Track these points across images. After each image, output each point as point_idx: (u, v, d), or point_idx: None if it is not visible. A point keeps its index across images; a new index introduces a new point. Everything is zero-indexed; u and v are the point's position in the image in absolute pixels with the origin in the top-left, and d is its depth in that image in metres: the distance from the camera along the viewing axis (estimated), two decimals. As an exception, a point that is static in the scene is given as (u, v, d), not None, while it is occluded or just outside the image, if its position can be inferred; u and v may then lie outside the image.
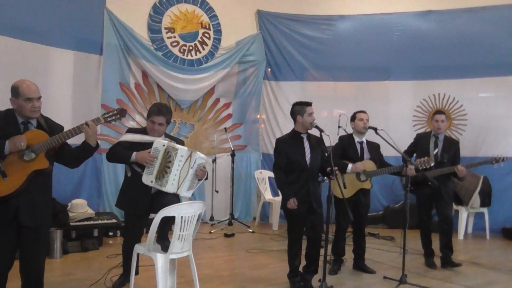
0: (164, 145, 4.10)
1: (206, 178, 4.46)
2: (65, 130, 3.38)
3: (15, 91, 3.19)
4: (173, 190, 4.07)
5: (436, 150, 5.48)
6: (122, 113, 3.55)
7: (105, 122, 3.51)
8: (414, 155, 5.70)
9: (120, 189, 4.50)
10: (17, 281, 3.37)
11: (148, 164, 4.08)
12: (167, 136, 4.44)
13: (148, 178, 4.10)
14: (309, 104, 4.52)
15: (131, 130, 4.46)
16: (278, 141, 4.62)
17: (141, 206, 4.26)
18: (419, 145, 5.65)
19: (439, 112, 5.64)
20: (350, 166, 5.01)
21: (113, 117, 3.52)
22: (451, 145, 5.56)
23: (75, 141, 3.46)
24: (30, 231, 3.25)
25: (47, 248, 3.51)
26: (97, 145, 3.45)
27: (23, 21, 5.90)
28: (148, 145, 4.17)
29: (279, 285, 4.68)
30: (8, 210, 3.16)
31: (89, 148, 3.39)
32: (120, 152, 4.19)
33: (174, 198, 4.10)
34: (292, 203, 4.36)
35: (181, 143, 4.36)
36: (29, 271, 3.33)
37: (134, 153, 4.10)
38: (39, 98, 3.25)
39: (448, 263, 5.47)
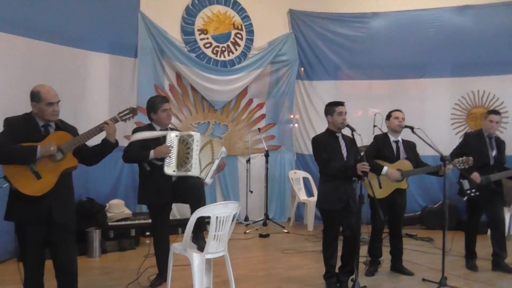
0: (177, 136, 4.41)
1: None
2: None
3: (37, 96, 3.31)
4: (197, 173, 4.38)
5: (495, 152, 5.29)
6: (133, 111, 3.75)
7: (121, 120, 3.68)
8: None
9: (139, 185, 4.61)
10: (53, 281, 3.45)
11: (167, 155, 4.32)
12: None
13: (169, 169, 4.34)
14: (339, 103, 4.49)
15: (137, 129, 4.57)
16: (315, 138, 4.62)
17: (164, 195, 4.46)
18: (474, 146, 5.31)
19: (494, 112, 5.39)
20: (385, 169, 4.92)
21: (128, 116, 3.71)
22: (500, 145, 5.37)
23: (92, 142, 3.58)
24: (60, 227, 3.36)
25: (76, 244, 3.60)
26: (117, 142, 3.60)
27: (60, 26, 6.04)
28: (159, 139, 4.43)
29: (314, 286, 4.65)
30: (43, 209, 3.27)
31: (110, 145, 3.57)
32: (136, 153, 4.42)
33: (198, 180, 4.39)
34: (365, 167, 4.18)
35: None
36: (64, 266, 3.42)
37: (152, 151, 4.32)
38: (59, 102, 3.38)
39: (500, 266, 5.25)
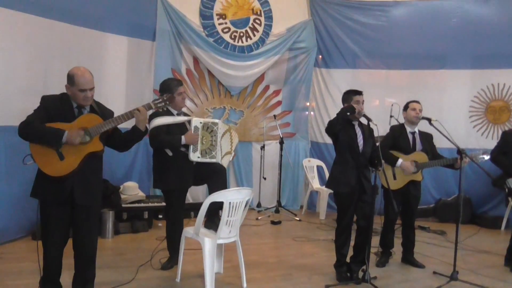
0: (201, 122, 4.53)
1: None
2: (116, 114, 3.49)
3: (71, 79, 3.30)
4: (219, 160, 4.60)
5: None
6: (171, 99, 3.77)
7: (155, 107, 3.67)
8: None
9: (155, 169, 4.66)
10: (71, 259, 3.50)
11: (196, 142, 4.45)
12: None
13: (194, 155, 4.46)
14: (357, 92, 4.45)
15: (155, 114, 4.52)
16: (330, 121, 4.54)
17: (187, 180, 4.59)
18: None
19: None
20: (400, 161, 4.88)
21: (162, 103, 3.70)
22: None
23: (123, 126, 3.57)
24: (83, 210, 3.38)
25: (98, 227, 3.63)
26: (146, 129, 3.60)
27: (79, 7, 6.05)
28: (181, 124, 4.53)
29: (325, 275, 4.66)
30: (65, 189, 3.29)
31: (139, 133, 3.55)
32: (167, 139, 4.46)
33: (221, 166, 4.59)
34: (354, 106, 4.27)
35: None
36: (82, 248, 3.45)
37: (183, 137, 4.40)
38: (92, 88, 3.35)
39: None
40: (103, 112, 3.49)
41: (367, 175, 4.45)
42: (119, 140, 3.60)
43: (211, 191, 4.22)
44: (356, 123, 4.49)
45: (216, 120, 4.64)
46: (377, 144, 4.33)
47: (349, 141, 4.40)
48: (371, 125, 4.37)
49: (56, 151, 3.23)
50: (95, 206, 3.52)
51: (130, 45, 6.82)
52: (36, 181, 3.36)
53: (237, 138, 4.82)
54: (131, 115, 3.46)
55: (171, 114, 4.55)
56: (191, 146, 4.44)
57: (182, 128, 4.53)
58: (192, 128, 4.47)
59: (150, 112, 4.14)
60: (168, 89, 4.50)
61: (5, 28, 5.22)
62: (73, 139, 3.22)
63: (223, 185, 4.39)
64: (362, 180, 4.39)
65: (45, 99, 3.36)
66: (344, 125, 4.40)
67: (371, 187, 4.39)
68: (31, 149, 3.25)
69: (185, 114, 4.83)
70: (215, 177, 4.49)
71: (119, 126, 3.50)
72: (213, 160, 4.54)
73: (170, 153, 4.50)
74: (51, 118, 3.26)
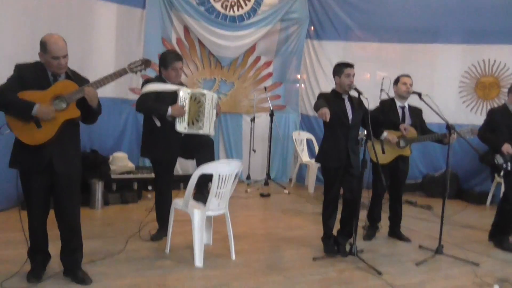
0: (189, 93, 4.44)
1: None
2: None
3: (43, 46, 3.22)
4: (207, 131, 4.51)
5: None
6: (147, 63, 3.67)
7: (130, 72, 3.58)
8: None
9: (143, 139, 4.64)
10: (57, 230, 3.50)
11: (182, 115, 4.38)
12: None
13: (181, 126, 4.41)
14: (348, 65, 4.40)
15: (148, 81, 4.53)
16: (320, 94, 4.56)
17: (173, 151, 4.55)
18: (501, 121, 5.12)
19: None
20: (385, 133, 4.88)
21: (138, 67, 3.63)
22: None
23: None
24: (63, 178, 3.35)
25: (79, 196, 3.59)
26: (99, 105, 3.45)
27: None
28: (171, 93, 4.41)
29: (312, 247, 4.71)
30: (43, 158, 3.26)
31: (92, 111, 3.41)
32: (153, 105, 4.40)
33: (208, 138, 4.54)
34: (324, 111, 4.11)
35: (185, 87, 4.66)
36: (65, 218, 3.44)
37: (170, 108, 4.32)
38: (65, 56, 3.27)
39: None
40: (78, 80, 3.42)
41: (355, 149, 4.46)
42: (86, 110, 3.41)
43: (198, 165, 4.20)
44: (346, 97, 4.46)
45: (204, 91, 4.54)
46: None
47: (338, 115, 4.36)
48: (362, 98, 4.35)
49: (33, 119, 3.17)
50: (75, 174, 3.48)
51: (119, 12, 6.69)
52: (14, 150, 3.31)
53: (214, 94, 4.64)
54: (107, 80, 3.38)
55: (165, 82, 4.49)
56: (177, 117, 4.39)
57: (173, 97, 4.44)
58: (179, 98, 4.40)
59: (131, 75, 4.05)
60: (164, 61, 4.44)
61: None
62: (45, 113, 3.16)
63: (211, 159, 4.35)
64: (350, 154, 4.40)
65: (20, 68, 3.28)
66: (333, 99, 4.40)
67: (359, 161, 4.40)
68: (6, 118, 3.20)
69: (182, 84, 4.72)
70: (202, 151, 4.45)
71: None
72: (201, 132, 4.47)
73: (158, 123, 4.45)
74: (26, 87, 3.19)
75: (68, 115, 3.29)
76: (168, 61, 4.43)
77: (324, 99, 4.36)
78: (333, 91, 4.52)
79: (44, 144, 3.23)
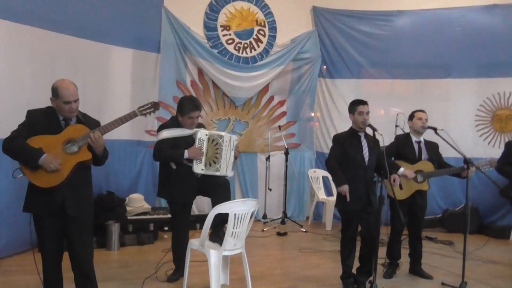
0: (207, 135, 4.50)
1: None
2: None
3: (55, 92, 3.30)
4: (225, 173, 4.53)
5: None
6: (156, 106, 3.72)
7: (140, 114, 3.63)
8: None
9: (160, 179, 4.66)
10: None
11: (200, 157, 4.42)
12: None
13: (198, 167, 4.45)
14: (361, 102, 4.44)
15: (164, 126, 4.58)
16: (335, 137, 4.62)
17: (190, 192, 4.57)
18: None
19: None
20: (402, 169, 4.83)
21: (148, 110, 3.67)
22: None
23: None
24: (76, 221, 3.37)
25: (92, 239, 3.60)
26: (105, 151, 3.49)
27: (84, 20, 6.09)
28: (189, 137, 4.49)
29: (331, 286, 4.62)
30: (55, 201, 3.29)
31: (95, 157, 3.42)
32: (169, 152, 4.45)
33: (225, 179, 4.56)
34: (345, 189, 4.27)
35: (203, 126, 4.73)
36: (78, 262, 3.43)
37: (186, 152, 4.38)
38: (77, 100, 3.34)
39: None
40: (89, 123, 3.48)
41: (373, 188, 4.42)
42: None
43: (214, 205, 4.18)
44: (362, 134, 4.47)
45: (222, 133, 4.58)
46: (382, 149, 4.31)
47: (355, 158, 4.39)
48: (377, 135, 4.35)
49: (40, 167, 3.22)
50: (87, 217, 3.49)
51: (135, 57, 6.85)
52: (27, 194, 3.36)
53: (234, 136, 4.66)
54: (117, 124, 3.42)
55: (180, 126, 4.53)
56: (195, 159, 4.43)
57: (189, 139, 4.51)
58: (197, 140, 4.46)
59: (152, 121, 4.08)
60: (181, 109, 4.48)
61: (11, 42, 5.25)
62: (50, 164, 3.19)
63: (226, 200, 4.31)
64: (370, 194, 4.38)
65: (31, 113, 3.37)
66: (350, 140, 4.45)
67: (376, 198, 4.35)
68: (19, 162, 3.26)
69: (200, 124, 4.73)
70: (218, 192, 4.46)
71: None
72: (218, 173, 4.50)
73: (174, 166, 4.49)
74: (37, 132, 3.26)
75: (80, 158, 3.34)
76: (186, 110, 4.44)
77: (338, 143, 4.46)
78: (350, 129, 4.54)
79: (57, 187, 3.27)
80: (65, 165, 3.28)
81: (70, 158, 3.30)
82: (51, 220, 3.32)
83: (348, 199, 4.26)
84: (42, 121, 3.33)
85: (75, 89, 3.34)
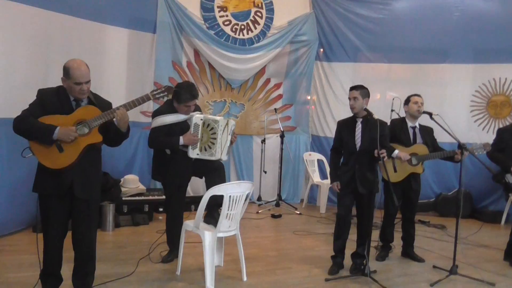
0: (201, 119, 4.49)
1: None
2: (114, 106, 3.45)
3: (66, 72, 3.24)
4: (219, 157, 4.55)
5: None
6: (169, 90, 3.70)
7: (153, 98, 3.61)
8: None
9: (154, 162, 4.67)
10: (71, 252, 3.50)
11: (195, 143, 4.43)
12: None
13: (193, 152, 4.46)
14: (350, 89, 4.51)
15: (158, 112, 4.54)
16: (338, 123, 4.71)
17: (184, 176, 4.60)
18: (509, 140, 5.23)
19: None
20: (396, 151, 4.85)
21: (161, 94, 3.66)
22: None
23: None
24: (83, 203, 3.36)
25: (97, 221, 3.60)
26: (128, 130, 3.54)
27: (80, -1, 6.03)
28: (184, 122, 4.48)
29: (324, 268, 4.66)
30: (64, 182, 3.27)
31: (121, 134, 3.49)
32: (165, 140, 4.45)
33: (220, 162, 4.58)
34: (335, 186, 4.56)
35: (198, 109, 4.71)
36: (81, 242, 3.44)
37: (181, 138, 4.39)
38: (88, 81, 3.29)
39: None
40: (101, 104, 3.44)
41: (362, 170, 4.42)
42: (113, 134, 3.48)
43: (208, 187, 4.21)
44: (359, 120, 4.48)
45: (218, 118, 4.58)
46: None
47: (348, 142, 4.49)
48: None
49: (55, 143, 3.21)
50: (95, 199, 3.50)
51: (130, 37, 6.79)
52: (37, 175, 3.34)
53: (232, 121, 4.66)
54: (134, 104, 3.44)
55: (174, 111, 4.49)
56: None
57: (183, 125, 4.49)
58: (193, 125, 4.45)
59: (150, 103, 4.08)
60: (178, 96, 4.41)
61: (5, 20, 5.19)
62: (67, 135, 3.18)
63: (222, 181, 4.34)
64: (356, 178, 4.41)
65: (42, 93, 3.31)
66: (346, 126, 4.57)
67: (365, 182, 4.40)
68: (30, 142, 3.24)
69: (196, 106, 4.66)
70: (212, 174, 4.49)
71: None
72: (212, 158, 4.52)
73: (168, 152, 4.50)
74: (47, 112, 3.23)
75: (90, 140, 3.31)
76: (182, 98, 4.39)
77: (338, 130, 4.63)
78: (354, 115, 4.57)
79: (66, 169, 3.25)
80: (76, 147, 3.25)
81: (80, 139, 3.27)
82: (58, 201, 3.31)
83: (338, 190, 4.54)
84: (53, 101, 3.28)
85: (87, 70, 3.29)
